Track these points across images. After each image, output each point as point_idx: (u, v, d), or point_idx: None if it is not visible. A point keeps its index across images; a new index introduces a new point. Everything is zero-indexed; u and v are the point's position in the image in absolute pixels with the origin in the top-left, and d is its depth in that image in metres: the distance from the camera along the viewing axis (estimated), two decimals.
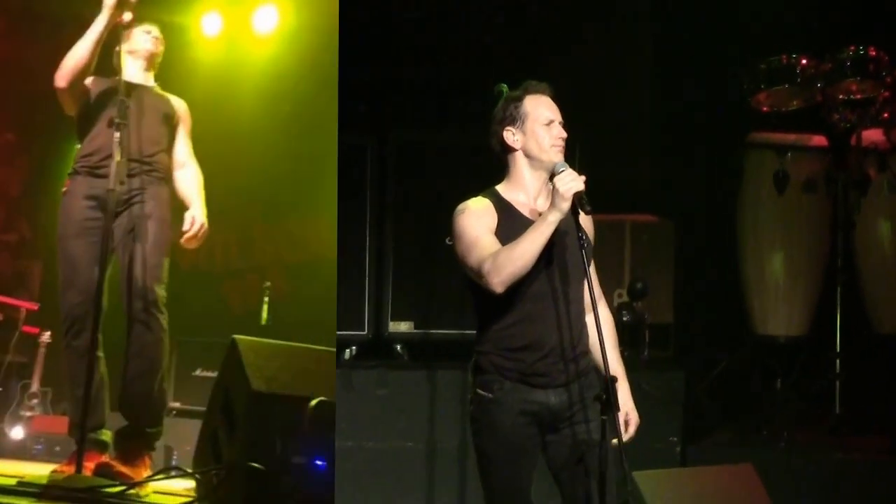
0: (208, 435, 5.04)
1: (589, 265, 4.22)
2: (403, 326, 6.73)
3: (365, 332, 6.70)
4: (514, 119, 4.29)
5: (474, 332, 6.45)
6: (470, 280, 4.27)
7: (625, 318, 6.61)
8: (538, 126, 4.25)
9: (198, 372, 7.83)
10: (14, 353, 8.60)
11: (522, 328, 4.26)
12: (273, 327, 8.00)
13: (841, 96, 6.60)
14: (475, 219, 4.26)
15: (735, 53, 7.09)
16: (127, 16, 5.53)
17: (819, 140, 6.84)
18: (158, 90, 5.93)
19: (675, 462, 6.38)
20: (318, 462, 4.54)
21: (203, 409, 5.38)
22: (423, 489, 6.45)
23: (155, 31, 5.87)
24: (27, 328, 8.63)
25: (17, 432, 8.24)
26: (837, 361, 6.56)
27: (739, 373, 6.85)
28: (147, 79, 5.86)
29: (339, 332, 6.61)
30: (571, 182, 4.08)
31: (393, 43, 7.26)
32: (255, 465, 4.48)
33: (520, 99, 4.31)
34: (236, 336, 4.91)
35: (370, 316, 6.69)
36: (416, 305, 6.75)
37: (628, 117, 7.36)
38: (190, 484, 5.13)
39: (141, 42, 5.80)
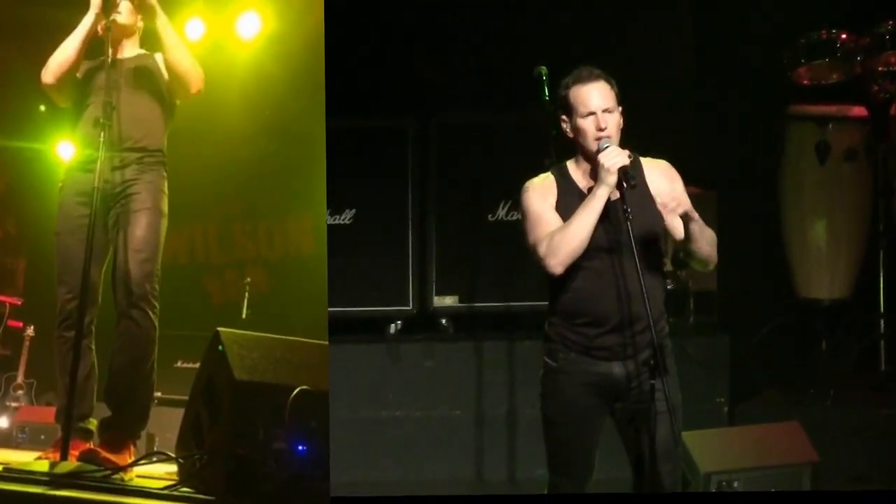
0: (191, 421, 5.06)
1: (662, 218, 4.31)
2: (448, 300, 6.83)
3: (410, 308, 6.80)
4: (564, 109, 4.39)
5: (518, 303, 6.63)
6: None
7: (669, 287, 6.62)
8: (579, 119, 4.32)
9: (179, 364, 7.90)
10: None
11: (585, 304, 4.33)
12: (252, 321, 8.11)
13: (880, 68, 6.66)
14: (537, 196, 4.37)
15: (776, 27, 7.13)
16: (120, 18, 5.49)
17: (859, 111, 6.90)
18: (143, 56, 5.72)
19: (723, 422, 6.46)
20: (300, 448, 4.60)
21: (184, 398, 5.38)
22: (471, 456, 6.56)
23: None
24: (12, 322, 8.73)
25: (2, 422, 8.33)
26: (881, 321, 6.67)
27: (785, 335, 6.92)
28: (132, 47, 5.69)
29: (384, 308, 6.77)
30: (616, 157, 4.19)
31: (436, 26, 7.30)
32: (237, 450, 4.58)
33: (567, 88, 4.38)
34: (220, 328, 4.93)
35: (415, 291, 6.79)
36: (460, 280, 6.83)
37: (671, 91, 7.36)
38: (172, 468, 5.14)
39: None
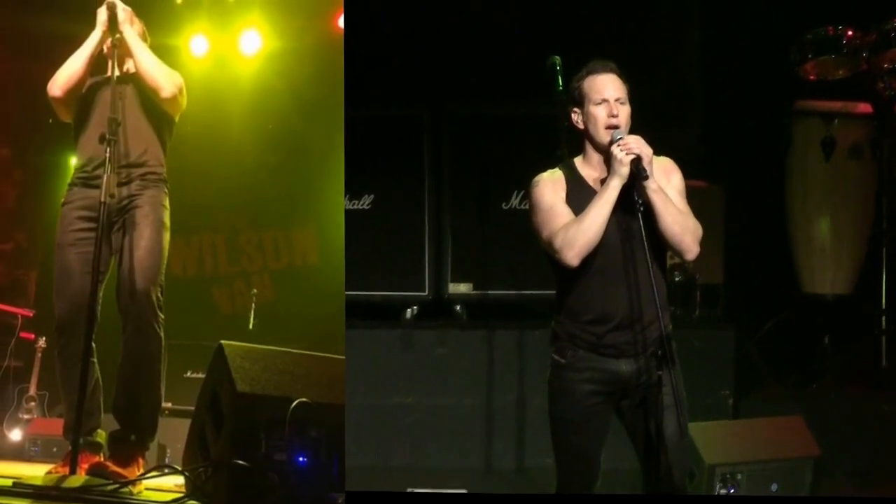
0: (196, 434, 5.08)
1: (664, 208, 4.27)
2: (463, 287, 6.92)
3: (426, 293, 6.90)
4: (576, 101, 4.44)
5: (531, 292, 6.71)
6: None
7: (676, 279, 6.80)
8: (592, 107, 4.38)
9: (188, 374, 7.98)
10: (11, 359, 8.72)
11: (592, 301, 4.37)
12: (259, 332, 8.28)
13: (886, 65, 6.68)
14: (548, 190, 4.40)
15: (782, 23, 7.18)
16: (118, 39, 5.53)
17: (864, 107, 6.94)
18: None
19: (727, 415, 6.49)
20: (300, 459, 4.67)
21: (193, 408, 5.40)
22: (481, 443, 6.62)
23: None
24: (24, 334, 8.77)
25: (14, 435, 8.37)
26: (883, 318, 6.69)
27: (788, 330, 6.96)
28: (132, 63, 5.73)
29: (401, 293, 6.89)
30: (633, 145, 4.24)
31: (451, 17, 7.37)
32: (241, 462, 4.61)
33: (581, 79, 4.45)
34: (223, 341, 4.97)
35: (430, 278, 6.89)
36: (475, 267, 6.91)
37: (678, 85, 7.47)
38: (181, 480, 5.17)
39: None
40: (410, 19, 7.20)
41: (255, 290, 8.90)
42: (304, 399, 4.73)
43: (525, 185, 4.53)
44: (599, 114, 4.36)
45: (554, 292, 4.54)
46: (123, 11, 5.56)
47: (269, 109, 9.03)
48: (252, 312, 8.64)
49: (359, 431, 6.27)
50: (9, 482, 4.97)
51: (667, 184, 4.40)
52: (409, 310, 6.90)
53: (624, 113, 4.37)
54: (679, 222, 4.32)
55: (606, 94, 4.37)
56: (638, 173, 4.23)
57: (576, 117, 4.45)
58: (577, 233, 4.26)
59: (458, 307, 6.95)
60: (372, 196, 6.95)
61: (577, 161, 4.49)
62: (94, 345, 5.35)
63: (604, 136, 4.35)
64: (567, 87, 4.59)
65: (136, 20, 5.78)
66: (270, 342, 5.25)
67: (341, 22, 8.35)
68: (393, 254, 6.93)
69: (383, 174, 6.95)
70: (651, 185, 4.26)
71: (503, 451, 6.59)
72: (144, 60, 5.58)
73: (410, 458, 6.57)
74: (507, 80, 7.09)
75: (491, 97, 7.13)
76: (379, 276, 6.90)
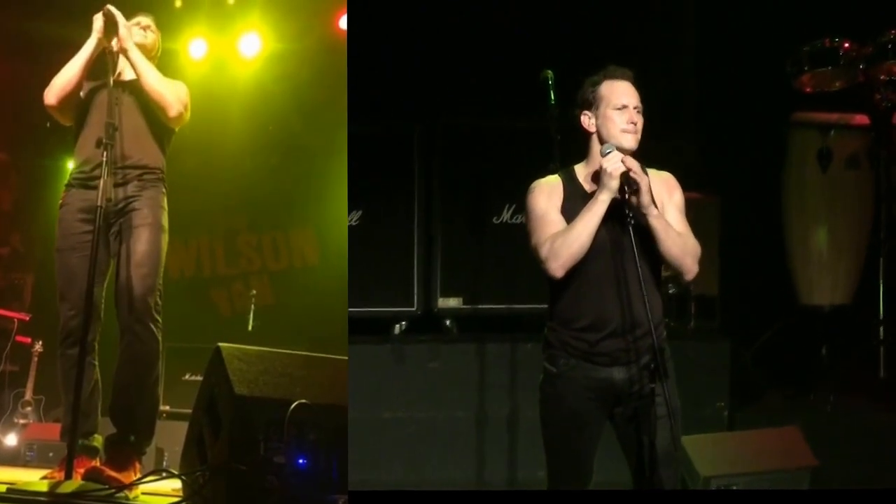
0: (194, 437, 5.03)
1: (661, 229, 4.26)
2: (452, 302, 6.86)
3: (414, 308, 6.84)
4: (590, 103, 4.39)
5: (521, 306, 6.70)
6: None
7: (671, 291, 6.70)
8: (610, 110, 4.34)
9: (187, 376, 8.00)
10: (7, 363, 8.73)
11: (584, 308, 4.34)
12: (258, 333, 8.29)
13: (882, 77, 6.67)
14: (543, 197, 4.38)
15: (779, 34, 7.17)
16: (115, 44, 5.50)
17: (861, 118, 6.91)
18: None
19: (723, 427, 6.47)
20: (300, 462, 4.62)
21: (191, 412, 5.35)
22: (474, 457, 6.58)
23: (145, 20, 5.77)
24: (20, 338, 8.78)
25: (10, 440, 8.35)
26: (881, 328, 6.66)
27: (785, 340, 6.91)
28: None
29: (390, 309, 6.82)
30: (619, 162, 4.22)
31: (442, 31, 7.35)
32: (239, 465, 4.55)
33: (598, 83, 4.40)
34: (220, 343, 4.92)
35: (419, 292, 6.83)
36: (465, 282, 6.86)
37: (674, 97, 7.39)
38: (178, 484, 5.11)
39: (134, 37, 5.64)
40: (401, 35, 7.17)
41: (254, 292, 8.91)
42: (303, 401, 4.68)
43: (516, 198, 4.51)
44: (618, 118, 4.34)
45: (545, 306, 4.51)
46: (125, 28, 5.53)
47: (269, 111, 9.08)
48: (251, 314, 8.65)
49: (350, 445, 6.25)
50: (3, 488, 4.92)
51: (668, 200, 4.40)
52: (397, 325, 6.83)
53: (640, 121, 4.37)
54: (679, 245, 4.31)
55: (627, 100, 4.36)
56: (628, 187, 4.21)
57: (586, 120, 4.40)
58: (562, 245, 4.25)
59: (447, 322, 6.90)
60: (360, 212, 6.90)
61: (578, 168, 4.47)
62: (96, 345, 5.39)
63: (621, 141, 4.32)
64: (559, 98, 4.57)
65: (154, 29, 5.82)
66: (270, 344, 5.20)
67: (342, 23, 8.41)
68: (381, 269, 6.85)
69: (373, 189, 6.88)
70: (652, 212, 4.25)
71: (495, 464, 6.54)
72: (149, 78, 5.56)
73: (403, 471, 6.52)
74: (499, 94, 7.07)
75: (482, 110, 7.08)
76: (367, 292, 6.82)
